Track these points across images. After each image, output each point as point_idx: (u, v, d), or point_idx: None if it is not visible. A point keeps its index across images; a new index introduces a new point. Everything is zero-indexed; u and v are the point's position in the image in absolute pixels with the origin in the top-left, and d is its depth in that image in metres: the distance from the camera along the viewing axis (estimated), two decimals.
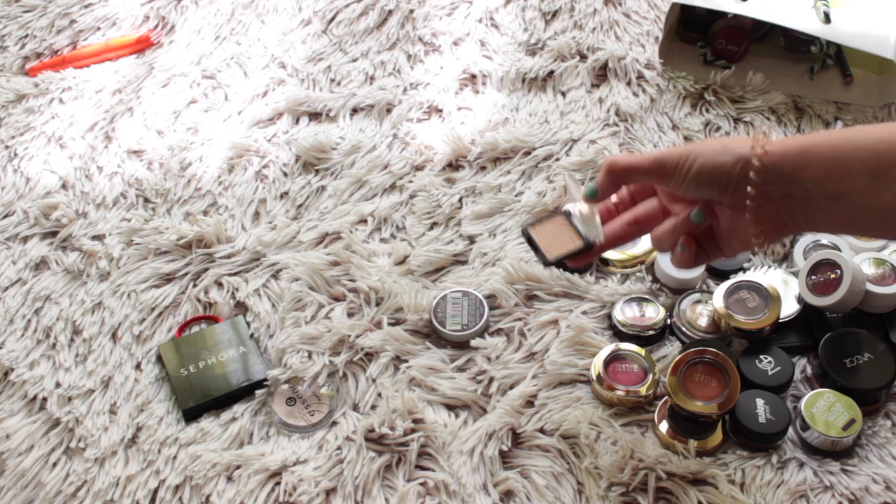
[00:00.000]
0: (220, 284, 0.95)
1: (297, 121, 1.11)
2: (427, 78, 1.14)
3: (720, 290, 0.86)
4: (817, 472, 0.78)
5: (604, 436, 0.81)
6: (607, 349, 0.85)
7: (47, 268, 0.97)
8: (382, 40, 1.19)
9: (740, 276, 0.88)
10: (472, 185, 1.02)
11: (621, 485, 0.78)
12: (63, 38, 1.20)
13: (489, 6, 1.22)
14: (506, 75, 1.13)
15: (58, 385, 0.87)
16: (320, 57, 1.18)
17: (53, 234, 1.00)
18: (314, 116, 1.11)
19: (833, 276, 0.84)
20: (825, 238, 0.91)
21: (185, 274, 0.96)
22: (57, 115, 1.12)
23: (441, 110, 1.11)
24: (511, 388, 0.85)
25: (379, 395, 0.85)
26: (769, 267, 0.90)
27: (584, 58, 1.15)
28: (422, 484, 0.79)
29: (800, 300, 0.87)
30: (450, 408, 0.85)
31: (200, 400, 0.85)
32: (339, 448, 0.81)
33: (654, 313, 0.87)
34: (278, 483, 0.80)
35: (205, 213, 1.01)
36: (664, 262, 0.90)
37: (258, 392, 0.86)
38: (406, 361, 0.87)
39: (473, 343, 0.88)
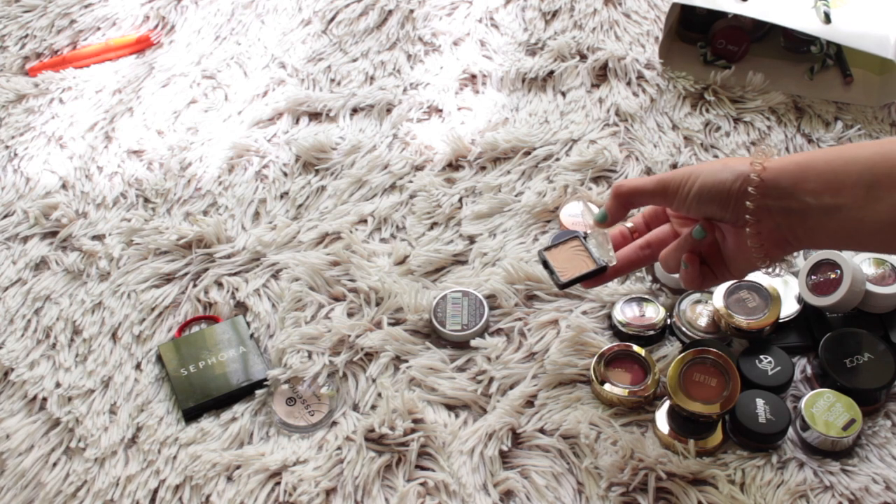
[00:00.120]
0: (220, 284, 0.95)
1: (297, 121, 1.11)
2: (427, 78, 1.14)
3: (720, 290, 0.86)
4: (817, 472, 0.78)
5: (604, 436, 0.80)
6: (607, 348, 0.85)
7: (47, 268, 0.97)
8: (382, 40, 1.19)
9: None
10: (472, 185, 1.02)
11: (621, 485, 0.78)
12: (63, 38, 1.20)
13: (489, 6, 1.22)
14: (506, 75, 1.13)
15: (58, 385, 0.87)
16: (320, 57, 1.18)
17: (53, 234, 1.00)
18: (314, 116, 1.11)
19: (833, 276, 0.84)
20: None
21: (185, 274, 0.96)
22: (57, 115, 1.12)
23: (441, 110, 1.11)
24: (511, 388, 0.85)
25: (379, 395, 0.85)
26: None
27: (584, 58, 1.15)
28: (422, 484, 0.79)
29: (800, 300, 0.87)
30: (450, 408, 0.85)
31: (200, 400, 0.85)
32: (339, 448, 0.81)
33: (654, 313, 0.87)
34: (278, 483, 0.80)
35: (205, 213, 1.01)
36: None
37: (258, 392, 0.86)
38: (406, 361, 0.87)
39: (473, 343, 0.88)
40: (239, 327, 0.90)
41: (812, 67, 1.12)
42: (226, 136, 1.09)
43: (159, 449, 0.82)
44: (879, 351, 0.82)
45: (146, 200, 1.03)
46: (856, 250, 0.81)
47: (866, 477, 0.77)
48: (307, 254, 0.96)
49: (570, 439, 0.81)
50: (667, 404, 0.82)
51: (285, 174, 1.05)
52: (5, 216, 1.02)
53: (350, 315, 0.91)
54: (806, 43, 1.12)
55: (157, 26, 1.22)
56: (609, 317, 0.89)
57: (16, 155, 1.08)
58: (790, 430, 0.80)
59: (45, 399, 0.86)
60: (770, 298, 0.85)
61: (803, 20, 1.04)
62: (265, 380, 0.86)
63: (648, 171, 1.02)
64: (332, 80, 1.15)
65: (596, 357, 0.84)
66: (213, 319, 0.92)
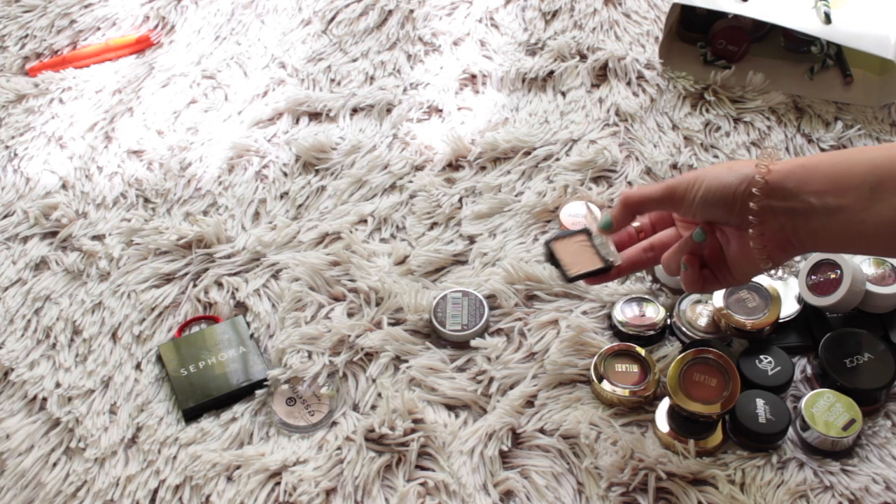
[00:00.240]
0: (220, 284, 0.95)
1: (297, 121, 1.11)
2: (427, 78, 1.14)
3: (720, 290, 0.86)
4: (817, 472, 0.78)
5: (604, 436, 0.80)
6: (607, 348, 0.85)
7: (47, 268, 0.97)
8: (382, 40, 1.19)
9: None
10: (472, 185, 1.02)
11: (621, 485, 0.78)
12: (63, 38, 1.20)
13: (489, 6, 1.22)
14: (506, 75, 1.13)
15: (58, 385, 0.87)
16: (320, 57, 1.18)
17: (53, 234, 1.00)
18: (314, 116, 1.11)
19: (833, 276, 0.84)
20: None
21: (185, 274, 0.96)
22: (57, 115, 1.12)
23: (441, 110, 1.11)
24: (511, 388, 0.85)
25: (379, 395, 0.85)
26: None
27: (584, 58, 1.15)
28: (422, 484, 0.79)
29: (800, 300, 0.87)
30: (450, 408, 0.85)
31: (200, 400, 0.85)
32: (339, 448, 0.81)
33: (654, 313, 0.87)
34: (278, 483, 0.80)
35: (205, 213, 1.01)
36: None
37: (258, 392, 0.86)
38: (406, 361, 0.87)
39: (473, 343, 0.88)
40: (239, 327, 0.90)
41: (812, 67, 1.12)
42: (226, 136, 1.09)
43: (159, 449, 0.82)
44: (879, 351, 0.82)
45: (146, 200, 1.03)
46: (858, 253, 0.81)
47: (866, 477, 0.77)
48: (307, 254, 0.96)
49: (570, 439, 0.81)
50: (667, 404, 0.82)
51: (285, 174, 1.05)
52: (5, 216, 1.02)
53: (350, 315, 0.91)
54: (806, 43, 1.12)
55: (157, 26, 1.22)
56: (609, 317, 0.89)
57: (16, 155, 1.08)
58: (790, 430, 0.80)
59: (45, 399, 0.86)
60: (770, 298, 0.85)
61: (804, 20, 1.04)
62: (265, 380, 0.86)
63: (648, 171, 1.02)
64: (332, 80, 1.15)
65: (596, 357, 0.84)
66: (213, 319, 0.92)
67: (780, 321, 0.85)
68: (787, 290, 0.88)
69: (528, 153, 1.05)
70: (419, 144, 1.06)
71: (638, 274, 0.92)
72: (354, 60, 1.17)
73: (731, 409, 0.79)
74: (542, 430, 0.82)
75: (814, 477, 0.78)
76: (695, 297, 0.88)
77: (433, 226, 0.99)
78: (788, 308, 0.87)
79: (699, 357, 0.81)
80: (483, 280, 0.92)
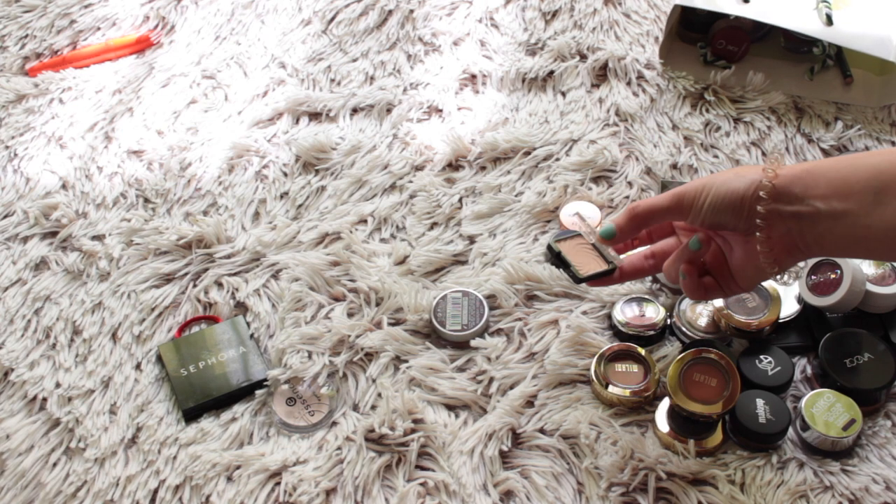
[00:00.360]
0: (220, 284, 0.95)
1: (297, 121, 1.11)
2: (427, 78, 1.14)
3: (723, 297, 0.86)
4: (817, 473, 0.78)
5: (604, 436, 0.80)
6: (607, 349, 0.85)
7: (47, 268, 0.97)
8: (382, 40, 1.19)
9: None
10: (472, 185, 1.02)
11: (621, 485, 0.78)
12: (63, 38, 1.20)
13: (489, 6, 1.22)
14: (506, 75, 1.13)
15: (58, 385, 0.87)
16: (320, 57, 1.18)
17: (53, 234, 1.00)
18: (314, 116, 1.11)
19: (833, 276, 0.84)
20: None
21: (185, 274, 0.96)
22: (57, 115, 1.12)
23: (441, 110, 1.11)
24: (511, 388, 0.85)
25: (379, 395, 0.85)
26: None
27: (584, 58, 1.15)
28: (422, 484, 0.79)
29: (800, 300, 0.87)
30: (450, 408, 0.85)
31: (200, 400, 0.85)
32: (339, 448, 0.81)
33: (654, 313, 0.87)
34: (278, 483, 0.80)
35: (205, 213, 1.01)
36: None
37: (258, 392, 0.86)
38: (406, 361, 0.87)
39: (473, 343, 0.88)
40: (239, 327, 0.90)
41: (812, 68, 1.12)
42: (226, 136, 1.09)
43: (159, 449, 0.82)
44: (879, 351, 0.82)
45: (146, 200, 1.03)
46: (864, 257, 0.81)
47: (866, 477, 0.77)
48: (307, 254, 0.96)
49: (570, 439, 0.81)
50: (667, 404, 0.82)
51: (285, 174, 1.05)
52: (5, 216, 1.02)
53: (350, 315, 0.91)
54: (806, 44, 1.12)
55: (157, 26, 1.22)
56: (609, 317, 0.89)
57: (16, 155, 1.08)
58: (790, 430, 0.80)
59: (45, 399, 0.86)
60: (770, 298, 0.85)
61: (805, 22, 1.04)
62: (265, 380, 0.86)
63: (648, 171, 1.02)
64: (332, 80, 1.15)
65: (596, 357, 0.84)
66: (213, 319, 0.92)
67: (780, 321, 0.85)
68: (787, 290, 0.88)
69: (528, 153, 1.05)
70: (419, 144, 1.06)
71: None
72: (354, 60, 1.17)
73: (731, 409, 0.79)
74: (542, 430, 0.82)
75: (814, 477, 0.78)
76: None
77: (433, 226, 0.99)
78: (788, 308, 0.87)
79: (699, 357, 0.81)
80: (483, 280, 0.92)
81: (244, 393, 0.86)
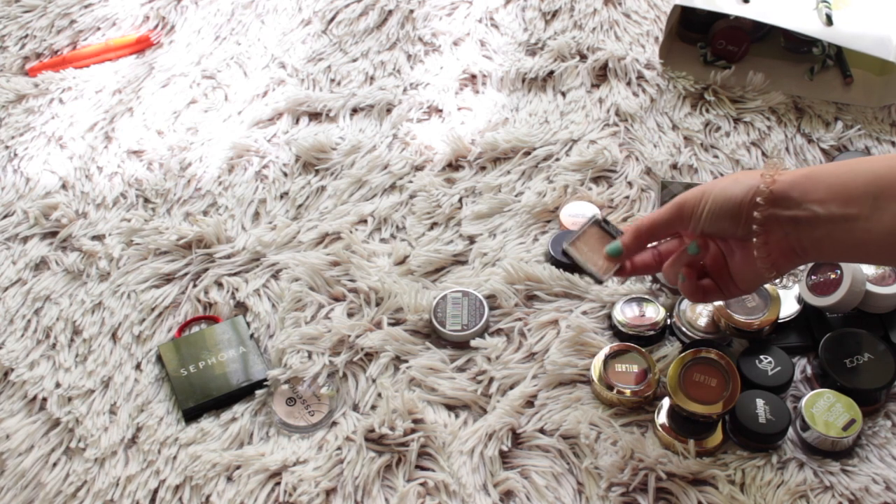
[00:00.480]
0: (220, 284, 0.95)
1: (297, 121, 1.11)
2: (427, 78, 1.14)
3: (723, 300, 0.86)
4: (817, 473, 0.78)
5: (604, 436, 0.80)
6: (607, 349, 0.85)
7: (47, 268, 0.97)
8: (382, 40, 1.19)
9: None
10: (472, 185, 1.02)
11: (621, 485, 0.78)
12: (63, 38, 1.20)
13: (489, 6, 1.22)
14: (506, 75, 1.13)
15: (58, 385, 0.87)
16: (320, 57, 1.18)
17: (53, 234, 1.00)
18: (314, 116, 1.11)
19: (833, 276, 0.84)
20: None
21: (185, 274, 0.96)
22: (57, 115, 1.12)
23: (441, 110, 1.11)
24: (511, 388, 0.85)
25: (379, 395, 0.85)
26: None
27: (584, 58, 1.15)
28: (422, 484, 0.79)
29: (800, 300, 0.87)
30: (450, 408, 0.85)
31: (200, 400, 0.85)
32: (339, 448, 0.81)
33: (654, 313, 0.87)
34: (278, 483, 0.80)
35: (205, 213, 1.01)
36: None
37: (258, 392, 0.86)
38: (406, 361, 0.87)
39: (473, 343, 0.88)
40: (239, 327, 0.90)
41: (812, 68, 1.12)
42: (226, 137, 1.09)
43: (159, 449, 0.82)
44: (879, 351, 0.82)
45: (146, 200, 1.03)
46: (862, 262, 0.81)
47: (866, 477, 0.77)
48: (307, 254, 0.96)
49: (570, 439, 0.81)
50: (667, 404, 0.82)
51: (285, 174, 1.05)
52: (5, 216, 1.02)
53: (350, 315, 0.91)
54: (806, 44, 1.12)
55: (157, 26, 1.22)
56: (609, 317, 0.89)
57: (16, 155, 1.08)
58: (790, 431, 0.80)
59: (45, 399, 0.86)
60: (770, 298, 0.85)
61: (805, 22, 1.04)
62: (265, 380, 0.86)
63: (648, 171, 1.02)
64: (332, 80, 1.15)
65: (596, 357, 0.84)
66: (213, 319, 0.92)
67: (780, 321, 0.85)
68: (787, 290, 0.88)
69: (528, 153, 1.05)
70: (419, 144, 1.06)
71: None
72: (354, 60, 1.17)
73: (731, 410, 0.79)
74: (542, 431, 0.82)
75: (814, 477, 0.78)
76: None
77: (433, 226, 0.99)
78: (788, 308, 0.87)
79: (699, 357, 0.81)
80: (483, 280, 0.92)
81: (244, 393, 0.86)
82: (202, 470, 0.80)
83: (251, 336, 0.90)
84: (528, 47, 1.17)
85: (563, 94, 1.12)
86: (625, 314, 0.88)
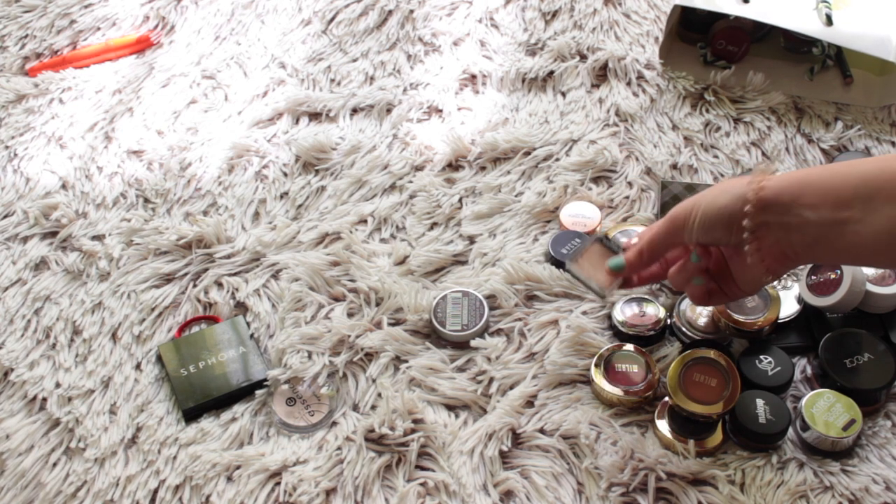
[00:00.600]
0: (220, 284, 0.95)
1: (297, 121, 1.11)
2: (427, 78, 1.14)
3: (726, 302, 0.86)
4: (817, 473, 0.78)
5: (604, 436, 0.80)
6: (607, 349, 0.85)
7: (47, 268, 0.97)
8: (382, 40, 1.19)
9: None
10: (472, 185, 1.02)
11: (621, 485, 0.78)
12: (63, 38, 1.20)
13: (489, 6, 1.22)
14: (506, 75, 1.13)
15: (58, 385, 0.87)
16: (320, 57, 1.18)
17: (53, 234, 1.00)
18: (314, 116, 1.11)
19: (833, 276, 0.84)
20: None
21: (185, 274, 0.96)
22: (57, 115, 1.12)
23: (441, 110, 1.11)
24: (511, 388, 0.85)
25: (379, 395, 0.85)
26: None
27: (584, 58, 1.15)
28: (422, 484, 0.79)
29: (800, 300, 0.87)
30: (450, 408, 0.85)
31: (200, 400, 0.85)
32: (339, 448, 0.81)
33: (654, 313, 0.87)
34: (278, 483, 0.80)
35: (205, 213, 1.01)
36: None
37: (258, 392, 0.86)
38: (406, 361, 0.87)
39: (473, 343, 0.88)
40: (239, 327, 0.90)
41: (812, 68, 1.12)
42: (226, 137, 1.09)
43: (159, 449, 0.82)
44: (879, 351, 0.82)
45: (146, 200, 1.03)
46: (856, 264, 0.81)
47: (866, 477, 0.77)
48: (307, 254, 0.96)
49: (570, 439, 0.81)
50: (667, 404, 0.82)
51: (285, 174, 1.05)
52: (5, 216, 1.02)
53: (350, 315, 0.91)
54: (806, 44, 1.12)
55: (157, 26, 1.22)
56: (609, 317, 0.89)
57: (16, 155, 1.08)
58: (790, 431, 0.80)
59: (45, 399, 0.86)
60: (769, 298, 0.85)
61: (805, 22, 1.04)
62: (265, 380, 0.86)
63: (648, 171, 1.02)
64: (332, 80, 1.15)
65: (596, 357, 0.84)
66: (213, 319, 0.92)
67: (780, 321, 0.85)
68: (787, 291, 0.88)
69: (528, 153, 1.05)
70: (419, 144, 1.06)
71: None
72: (354, 60, 1.17)
73: (731, 410, 0.79)
74: (542, 431, 0.82)
75: (814, 477, 0.78)
76: None
77: (433, 226, 0.99)
78: (788, 308, 0.87)
79: (699, 357, 0.81)
80: (483, 280, 0.92)
81: (244, 393, 0.86)
82: (202, 470, 0.80)
83: (251, 336, 0.90)
84: (528, 47, 1.17)
85: (563, 95, 1.12)
86: (625, 314, 0.88)
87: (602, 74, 1.13)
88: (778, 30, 1.08)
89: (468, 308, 0.89)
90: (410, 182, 1.03)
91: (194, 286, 0.95)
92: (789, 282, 0.89)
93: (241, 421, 0.84)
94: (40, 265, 0.97)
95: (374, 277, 0.92)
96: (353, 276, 0.93)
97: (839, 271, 0.84)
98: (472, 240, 0.97)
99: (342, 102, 1.11)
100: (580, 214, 0.97)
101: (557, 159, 1.04)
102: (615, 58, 1.13)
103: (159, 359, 0.89)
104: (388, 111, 1.11)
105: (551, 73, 1.13)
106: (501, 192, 1.01)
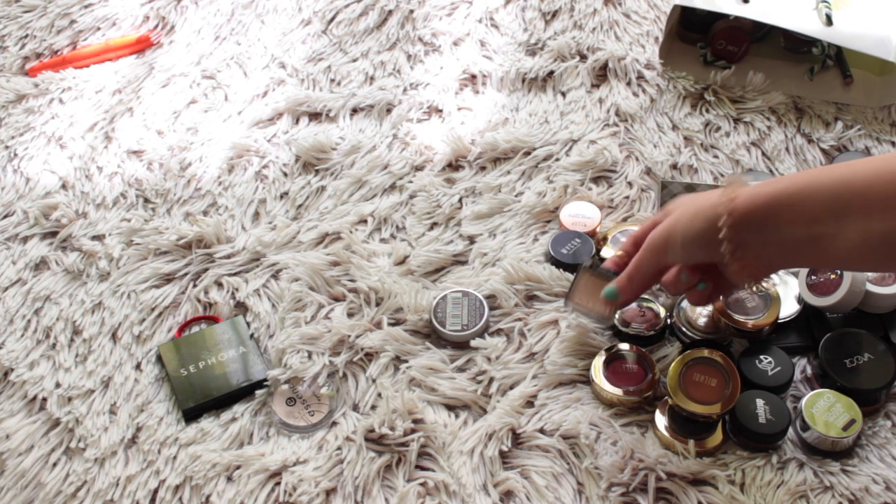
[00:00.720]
0: (220, 284, 0.95)
1: (297, 121, 1.11)
2: (427, 78, 1.14)
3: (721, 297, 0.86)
4: (817, 473, 0.78)
5: (604, 436, 0.80)
6: (607, 349, 0.85)
7: (47, 268, 0.97)
8: (382, 40, 1.19)
9: None
10: (472, 185, 1.02)
11: (621, 485, 0.78)
12: (63, 38, 1.20)
13: (489, 6, 1.22)
14: (506, 75, 1.13)
15: (58, 385, 0.87)
16: (320, 57, 1.18)
17: (53, 234, 1.00)
18: (314, 116, 1.11)
19: (833, 276, 0.84)
20: None
21: (185, 274, 0.96)
22: (57, 115, 1.12)
23: (441, 110, 1.11)
24: (511, 388, 0.85)
25: (379, 395, 0.85)
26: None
27: (584, 58, 1.15)
28: (422, 484, 0.79)
29: (800, 300, 0.87)
30: (450, 408, 0.85)
31: (200, 400, 0.85)
32: (339, 448, 0.81)
33: (654, 313, 0.87)
34: (278, 483, 0.80)
35: (205, 213, 1.01)
36: None
37: (258, 392, 0.86)
38: (406, 361, 0.87)
39: (473, 343, 0.88)
40: (239, 327, 0.90)
41: (812, 68, 1.12)
42: (226, 137, 1.09)
43: (159, 449, 0.82)
44: (879, 351, 0.82)
45: (146, 200, 1.03)
46: (839, 269, 0.82)
47: (866, 477, 0.77)
48: (307, 254, 0.96)
49: (570, 439, 0.81)
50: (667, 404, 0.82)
51: (285, 174, 1.05)
52: (5, 216, 1.02)
53: (350, 315, 0.91)
54: (806, 44, 1.12)
55: (157, 26, 1.22)
56: None
57: (16, 155, 1.08)
58: (790, 431, 0.80)
59: (45, 399, 0.86)
60: (769, 298, 0.85)
61: (805, 22, 1.04)
62: (265, 380, 0.86)
63: (648, 172, 1.02)
64: (332, 80, 1.15)
65: (595, 357, 0.84)
66: (213, 319, 0.92)
67: (780, 321, 0.85)
68: (787, 290, 0.88)
69: (528, 153, 1.05)
70: (419, 144, 1.06)
71: None
72: (354, 60, 1.17)
73: (731, 410, 0.79)
74: (542, 431, 0.82)
75: (814, 477, 0.78)
76: None
77: (433, 226, 0.99)
78: (788, 308, 0.87)
79: (699, 357, 0.81)
80: (483, 280, 0.92)
81: (244, 393, 0.86)
82: (202, 470, 0.80)
83: (251, 336, 0.90)
84: (528, 47, 1.17)
85: (563, 95, 1.12)
86: (625, 314, 0.87)
87: (602, 74, 1.13)
88: (778, 30, 1.08)
89: (468, 308, 0.89)
90: (410, 182, 1.03)
91: (194, 286, 0.95)
92: (780, 278, 0.89)
93: (241, 421, 0.84)
94: (40, 265, 0.97)
95: (374, 277, 0.92)
96: (353, 276, 0.93)
97: (839, 271, 0.84)
98: (472, 240, 0.97)
99: (342, 102, 1.11)
100: (580, 214, 0.97)
101: (557, 159, 1.04)
102: (615, 58, 1.13)
103: (159, 359, 0.89)
104: (388, 111, 1.11)
105: (551, 73, 1.13)
106: (501, 192, 1.01)
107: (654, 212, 0.98)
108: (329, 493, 0.79)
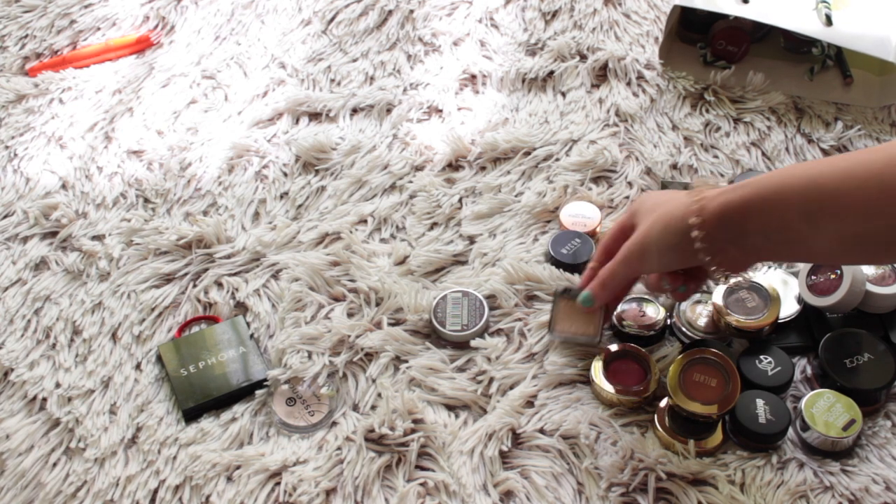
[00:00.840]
0: (220, 284, 0.95)
1: (297, 121, 1.11)
2: (427, 78, 1.14)
3: (720, 289, 0.86)
4: (817, 473, 0.78)
5: (604, 436, 0.80)
6: (609, 348, 0.85)
7: (47, 268, 0.97)
8: (382, 40, 1.19)
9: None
10: (472, 185, 1.02)
11: (621, 485, 0.78)
12: (63, 38, 1.20)
13: (489, 6, 1.22)
14: (506, 75, 1.13)
15: (58, 385, 0.87)
16: (320, 57, 1.18)
17: (53, 234, 1.00)
18: (314, 116, 1.11)
19: (833, 276, 0.84)
20: None
21: (185, 274, 0.96)
22: (57, 115, 1.12)
23: (441, 110, 1.11)
24: (511, 388, 0.85)
25: (379, 395, 0.85)
26: (769, 267, 0.90)
27: (584, 58, 1.15)
28: (422, 484, 0.79)
29: (800, 300, 0.87)
30: (450, 408, 0.85)
31: (200, 400, 0.85)
32: (339, 448, 0.81)
33: (654, 313, 0.87)
34: (278, 483, 0.80)
35: (205, 213, 1.01)
36: None
37: (258, 392, 0.86)
38: (406, 362, 0.87)
39: (473, 343, 0.88)
40: (239, 327, 0.90)
41: (812, 68, 1.12)
42: (226, 137, 1.09)
43: (159, 449, 0.82)
44: (879, 351, 0.82)
45: (146, 200, 1.03)
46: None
47: (866, 477, 0.77)
48: (307, 254, 0.96)
49: (570, 439, 0.81)
50: (666, 404, 0.82)
51: (285, 174, 1.05)
52: (5, 216, 1.02)
53: (350, 315, 0.91)
54: (806, 44, 1.12)
55: (157, 26, 1.22)
56: None
57: (16, 155, 1.08)
58: (790, 431, 0.80)
59: (45, 399, 0.86)
60: (769, 298, 0.85)
61: (805, 22, 1.04)
62: (265, 380, 0.86)
63: (648, 172, 1.02)
64: (332, 80, 1.15)
65: (595, 357, 0.84)
66: (213, 319, 0.92)
67: (780, 321, 0.85)
68: (787, 290, 0.88)
69: (528, 153, 1.05)
70: (419, 144, 1.06)
71: None
72: (354, 60, 1.17)
73: (731, 410, 0.79)
74: (542, 431, 0.82)
75: (814, 477, 0.78)
76: (695, 297, 0.88)
77: (433, 226, 0.99)
78: (788, 308, 0.87)
79: (699, 357, 0.81)
80: (483, 280, 0.92)
81: (244, 393, 0.86)
82: (202, 470, 0.80)
83: (251, 336, 0.90)
84: (528, 47, 1.17)
85: (563, 95, 1.12)
86: (624, 314, 0.87)
87: (602, 74, 1.13)
88: (778, 30, 1.08)
89: (468, 308, 0.89)
90: (410, 182, 1.03)
91: (194, 286, 0.95)
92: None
93: (241, 421, 0.84)
94: (40, 265, 0.97)
95: (374, 277, 0.92)
96: (353, 276, 0.93)
97: (839, 271, 0.84)
98: (472, 240, 0.97)
99: (342, 102, 1.11)
100: (580, 214, 0.97)
101: (557, 159, 1.04)
102: (615, 58, 1.13)
103: (159, 359, 0.89)
104: (388, 111, 1.11)
105: (551, 73, 1.13)
106: (501, 192, 1.01)
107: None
108: (329, 493, 0.79)
